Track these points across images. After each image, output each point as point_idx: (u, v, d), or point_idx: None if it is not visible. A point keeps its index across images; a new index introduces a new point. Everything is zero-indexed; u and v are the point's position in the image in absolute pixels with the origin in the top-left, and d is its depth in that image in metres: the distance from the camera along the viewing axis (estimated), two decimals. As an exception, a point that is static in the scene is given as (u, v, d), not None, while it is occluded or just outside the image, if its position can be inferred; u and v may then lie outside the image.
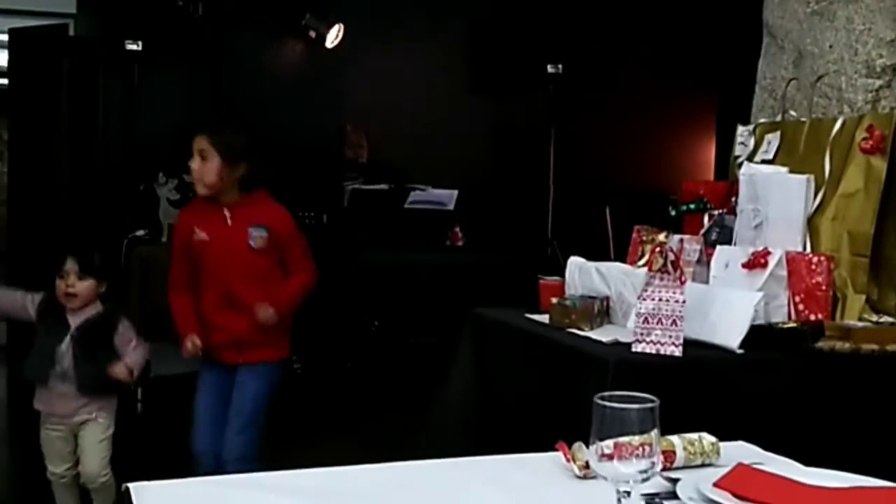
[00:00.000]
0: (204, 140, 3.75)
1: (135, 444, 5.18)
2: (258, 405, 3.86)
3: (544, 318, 3.16)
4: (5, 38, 6.66)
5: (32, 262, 5.44)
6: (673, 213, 3.61)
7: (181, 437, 5.27)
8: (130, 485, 1.60)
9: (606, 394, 1.41)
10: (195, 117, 7.08)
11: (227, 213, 3.78)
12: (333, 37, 7.30)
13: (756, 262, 2.91)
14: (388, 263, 5.95)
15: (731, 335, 2.67)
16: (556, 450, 1.81)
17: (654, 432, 1.39)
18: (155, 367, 5.98)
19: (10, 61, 6.67)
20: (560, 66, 7.25)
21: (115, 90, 6.75)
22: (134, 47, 6.57)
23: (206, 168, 3.73)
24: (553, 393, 2.81)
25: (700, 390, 2.56)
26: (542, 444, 1.86)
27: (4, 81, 6.90)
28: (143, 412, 5.78)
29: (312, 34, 7.31)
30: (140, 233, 5.94)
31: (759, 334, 2.68)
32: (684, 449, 1.80)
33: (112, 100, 6.75)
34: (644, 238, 3.32)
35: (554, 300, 3.14)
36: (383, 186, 6.23)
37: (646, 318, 2.64)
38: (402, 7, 7.49)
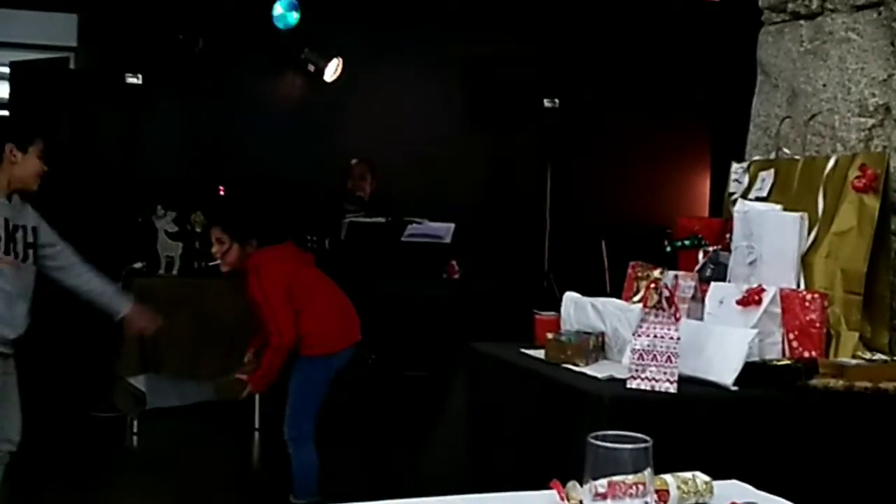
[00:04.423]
0: (218, 231, 4.41)
1: (128, 475, 5.18)
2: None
3: (540, 354, 3.17)
4: (7, 70, 6.72)
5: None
6: (668, 248, 3.62)
7: (176, 465, 5.29)
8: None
9: (600, 433, 1.42)
10: (194, 150, 7.15)
11: None
12: (332, 71, 7.36)
13: (750, 298, 2.92)
14: (384, 295, 5.95)
15: (725, 372, 2.68)
16: (551, 488, 1.81)
17: (648, 471, 1.40)
18: (150, 399, 5.99)
19: (11, 93, 6.73)
20: (556, 100, 7.32)
21: (114, 122, 6.81)
22: (134, 80, 6.63)
23: (226, 254, 4.40)
24: (548, 429, 2.82)
25: (694, 427, 2.57)
26: (537, 482, 1.87)
27: (5, 113, 6.95)
28: (138, 445, 5.78)
29: (311, 68, 7.37)
30: (138, 265, 5.95)
31: (753, 371, 2.69)
32: (678, 488, 1.81)
33: (112, 132, 6.81)
34: (639, 274, 3.33)
35: (549, 335, 3.15)
36: (380, 219, 6.26)
37: (641, 355, 2.65)
38: (400, 42, 7.56)
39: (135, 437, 5.81)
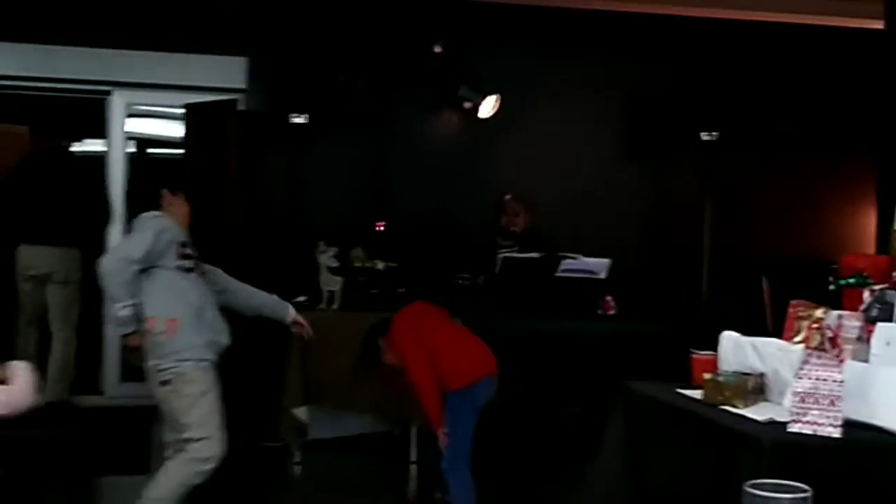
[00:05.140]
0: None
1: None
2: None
3: (697, 394, 3.13)
4: (182, 111, 7.10)
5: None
6: (832, 287, 3.53)
7: (335, 495, 5.42)
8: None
9: (758, 481, 1.41)
10: (354, 187, 7.36)
11: None
12: (489, 107, 7.46)
13: (920, 341, 2.82)
14: (538, 331, 5.96)
15: (893, 417, 2.60)
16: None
17: (807, 522, 1.38)
18: (311, 430, 6.17)
19: (186, 133, 7.10)
20: (715, 133, 7.20)
21: (279, 161, 7.07)
22: (299, 120, 6.89)
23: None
24: (705, 471, 2.78)
25: (859, 475, 2.49)
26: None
27: (181, 151, 7.33)
28: (300, 474, 5.95)
29: (468, 105, 7.49)
30: (301, 298, 6.15)
31: (923, 417, 2.59)
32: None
33: (277, 170, 7.07)
34: (801, 314, 3.26)
35: (707, 375, 3.12)
36: (535, 255, 6.28)
37: (803, 398, 2.60)
38: (556, 77, 7.61)
39: (297, 467, 5.99)
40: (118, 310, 4.16)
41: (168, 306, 4.24)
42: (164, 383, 4.22)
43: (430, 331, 4.71)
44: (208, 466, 4.23)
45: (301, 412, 5.96)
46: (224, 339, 4.41)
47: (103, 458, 5.91)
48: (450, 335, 4.79)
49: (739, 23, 7.65)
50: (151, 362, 4.26)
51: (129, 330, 4.19)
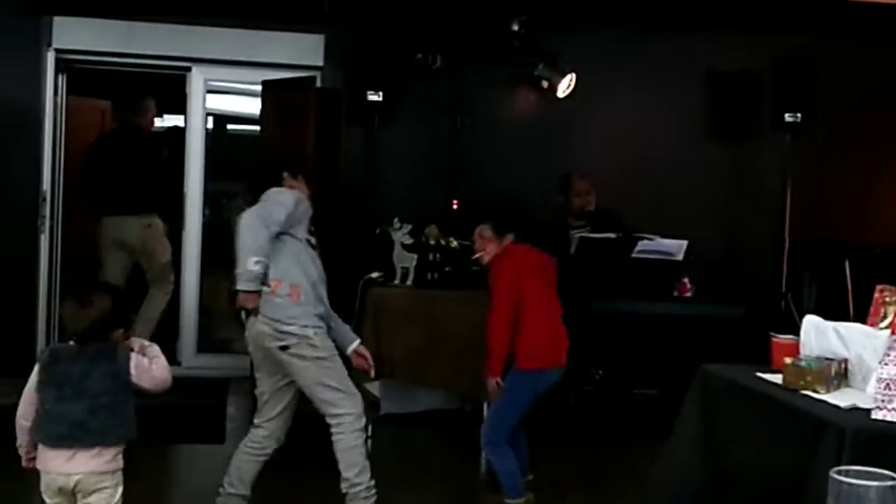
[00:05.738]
0: (485, 227, 4.77)
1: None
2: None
3: (777, 378, 3.07)
4: (259, 88, 7.16)
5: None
6: (919, 272, 3.43)
7: (407, 470, 5.46)
8: None
9: (843, 468, 1.37)
10: (429, 165, 7.36)
11: None
12: (565, 86, 7.39)
13: None
14: (614, 312, 5.91)
15: (982, 407, 2.51)
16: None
17: (896, 511, 1.34)
18: (383, 405, 6.21)
19: (262, 109, 7.16)
20: (798, 115, 7.03)
21: (356, 138, 7.10)
22: (375, 98, 6.91)
23: (487, 245, 4.78)
24: (784, 457, 2.73)
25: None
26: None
27: (258, 128, 7.40)
28: (371, 449, 5.99)
29: (545, 84, 7.43)
30: (375, 274, 6.19)
31: None
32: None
33: (353, 147, 7.10)
34: (887, 299, 3.17)
35: (788, 360, 3.06)
36: (611, 235, 6.20)
37: (888, 384, 2.53)
38: (635, 55, 7.50)
39: (369, 441, 6.03)
40: (252, 263, 4.14)
41: (293, 273, 4.28)
42: (285, 348, 4.24)
43: (529, 279, 4.63)
44: (362, 422, 4.35)
45: (373, 387, 6.01)
46: (328, 319, 4.43)
47: (181, 426, 6.06)
48: (541, 299, 4.67)
49: (828, 1, 7.44)
50: (267, 325, 4.25)
51: (254, 287, 4.18)
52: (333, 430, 4.31)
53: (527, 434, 4.79)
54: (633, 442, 5.70)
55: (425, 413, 6.47)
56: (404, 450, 6.11)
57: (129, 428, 3.26)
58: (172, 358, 7.37)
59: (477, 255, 4.87)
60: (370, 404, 6.02)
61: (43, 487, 3.24)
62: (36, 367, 3.27)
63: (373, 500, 4.30)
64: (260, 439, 4.41)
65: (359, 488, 4.28)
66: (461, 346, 5.60)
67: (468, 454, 5.67)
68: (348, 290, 6.07)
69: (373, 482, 4.32)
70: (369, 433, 6.02)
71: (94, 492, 3.20)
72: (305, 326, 4.25)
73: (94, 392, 3.16)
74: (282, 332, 4.23)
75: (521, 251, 4.73)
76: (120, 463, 3.26)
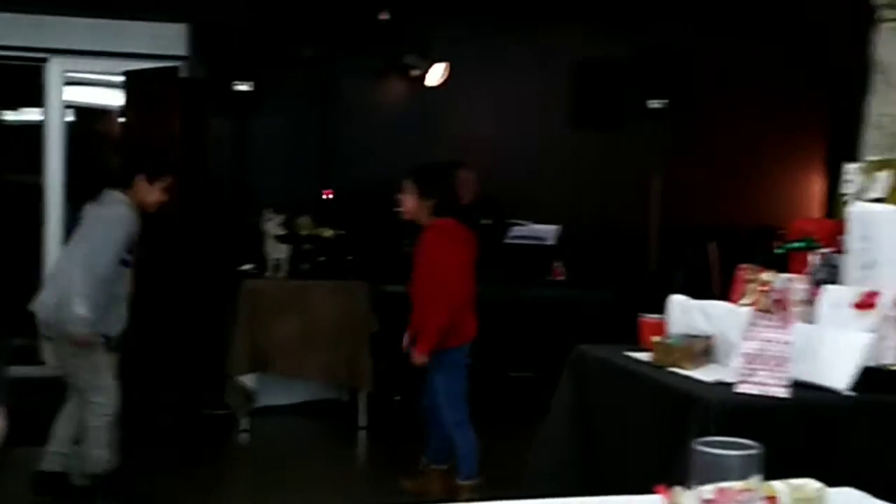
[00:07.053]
0: (409, 182, 4.77)
1: (237, 471, 5.29)
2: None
3: (646, 357, 3.13)
4: (122, 79, 6.94)
5: (141, 294, 5.60)
6: (779, 250, 3.54)
7: (283, 462, 5.39)
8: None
9: (707, 439, 1.39)
10: (301, 155, 7.27)
11: None
12: (437, 75, 7.39)
13: (866, 302, 2.83)
14: (488, 298, 5.95)
15: (839, 376, 2.61)
16: (656, 492, 1.79)
17: (756, 478, 1.37)
18: (259, 397, 6.12)
19: (126, 101, 6.94)
20: (663, 102, 7.19)
21: (224, 129, 6.96)
22: (243, 88, 6.78)
23: (407, 202, 4.79)
24: (654, 432, 2.78)
25: (806, 433, 2.50)
26: (643, 485, 1.85)
27: (121, 120, 7.18)
28: (247, 442, 5.90)
29: (416, 73, 7.41)
30: (247, 267, 6.08)
31: (869, 376, 2.61)
32: (788, 495, 1.77)
33: (221, 138, 6.96)
34: (748, 277, 3.26)
35: (656, 339, 3.11)
36: (485, 221, 6.25)
37: (750, 359, 2.60)
38: (505, 44, 7.55)
39: (244, 434, 5.94)
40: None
41: None
42: None
43: (460, 256, 4.68)
44: None
45: (249, 379, 5.92)
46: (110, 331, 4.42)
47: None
48: (468, 275, 4.74)
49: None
50: None
51: None
52: None
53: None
54: (510, 423, 5.76)
55: (302, 404, 6.41)
56: (281, 442, 6.03)
57: None
58: (36, 358, 7.15)
59: (397, 209, 4.91)
60: (244, 397, 5.94)
61: None
62: None
63: None
64: None
65: None
66: (336, 337, 5.56)
67: (345, 444, 5.64)
68: (220, 284, 5.96)
69: None
70: (244, 426, 5.94)
71: None
72: None
73: None
74: None
75: (451, 226, 4.72)
76: None
